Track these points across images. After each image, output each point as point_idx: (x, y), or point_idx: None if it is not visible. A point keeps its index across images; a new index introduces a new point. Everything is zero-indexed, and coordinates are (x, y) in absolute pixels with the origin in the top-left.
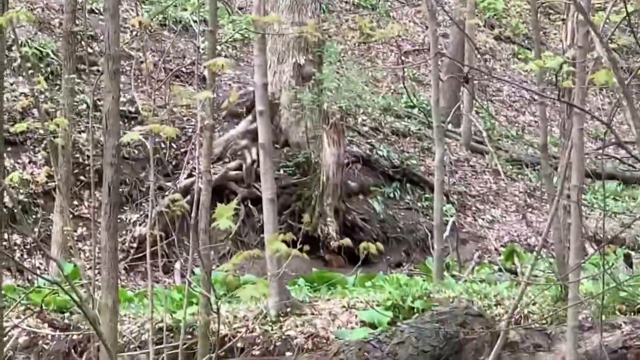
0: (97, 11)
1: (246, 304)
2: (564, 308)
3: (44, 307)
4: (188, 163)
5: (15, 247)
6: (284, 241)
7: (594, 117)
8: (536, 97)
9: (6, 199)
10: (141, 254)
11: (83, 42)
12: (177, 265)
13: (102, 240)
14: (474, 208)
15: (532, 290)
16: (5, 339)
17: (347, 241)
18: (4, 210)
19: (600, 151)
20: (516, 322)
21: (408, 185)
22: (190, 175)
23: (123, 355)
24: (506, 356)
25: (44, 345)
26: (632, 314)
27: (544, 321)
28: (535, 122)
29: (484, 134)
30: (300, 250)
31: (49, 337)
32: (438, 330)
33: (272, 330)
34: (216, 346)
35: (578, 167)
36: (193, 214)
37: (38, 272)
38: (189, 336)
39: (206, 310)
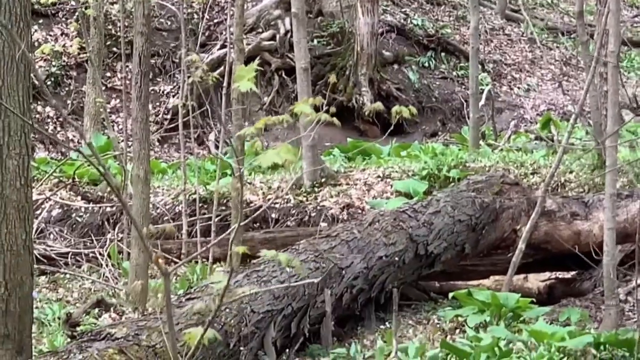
0: None
1: (280, 174)
2: (602, 174)
3: (76, 180)
4: (221, 34)
5: (49, 120)
6: (315, 107)
7: None
8: None
9: (39, 71)
10: (174, 125)
11: None
12: (211, 137)
13: (133, 111)
14: (509, 77)
15: (568, 158)
16: (38, 211)
17: (378, 105)
18: (36, 82)
19: (637, 18)
20: (553, 191)
21: (443, 54)
22: (223, 46)
23: (156, 227)
24: (543, 224)
25: (77, 218)
26: None
27: (581, 189)
28: None
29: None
30: (332, 115)
31: (82, 209)
32: (474, 199)
33: (306, 200)
34: (246, 217)
35: (615, 32)
36: (225, 84)
37: (71, 144)
38: (223, 207)
39: (239, 180)
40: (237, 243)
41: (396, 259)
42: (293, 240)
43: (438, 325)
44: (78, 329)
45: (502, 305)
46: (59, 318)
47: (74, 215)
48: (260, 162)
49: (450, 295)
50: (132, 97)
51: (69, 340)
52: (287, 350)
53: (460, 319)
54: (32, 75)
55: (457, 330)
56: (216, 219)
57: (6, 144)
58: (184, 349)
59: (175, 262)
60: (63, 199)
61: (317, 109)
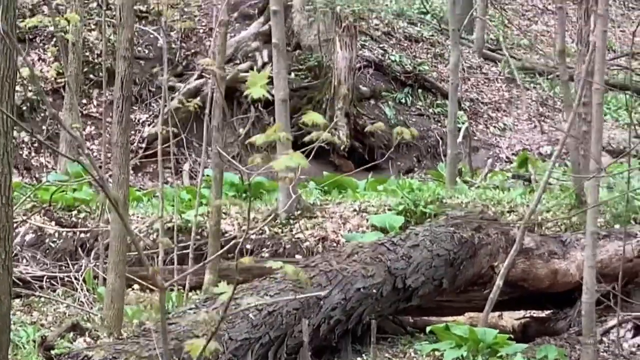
0: None
1: (255, 207)
2: (581, 211)
3: (51, 205)
4: (198, 64)
5: (23, 145)
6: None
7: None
8: (550, 6)
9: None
10: (150, 154)
11: None
12: (186, 167)
13: (113, 135)
14: (485, 116)
15: (546, 197)
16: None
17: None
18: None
19: (612, 62)
20: (530, 229)
21: (420, 91)
22: (200, 77)
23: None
24: (520, 262)
25: (51, 243)
26: None
27: (558, 229)
28: (548, 31)
29: (501, 38)
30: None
31: (56, 235)
32: (453, 234)
33: (282, 232)
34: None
35: (600, 69)
36: (207, 111)
37: (44, 170)
38: (198, 237)
39: (217, 210)
40: (213, 271)
41: (374, 291)
42: (269, 271)
43: (415, 359)
44: (52, 352)
45: (480, 340)
46: (33, 341)
47: (47, 240)
48: (275, 166)
49: (428, 329)
50: (113, 122)
51: None
52: None
53: (437, 353)
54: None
55: None
56: (193, 247)
57: None
58: None
59: (152, 290)
60: (37, 224)
61: (294, 143)
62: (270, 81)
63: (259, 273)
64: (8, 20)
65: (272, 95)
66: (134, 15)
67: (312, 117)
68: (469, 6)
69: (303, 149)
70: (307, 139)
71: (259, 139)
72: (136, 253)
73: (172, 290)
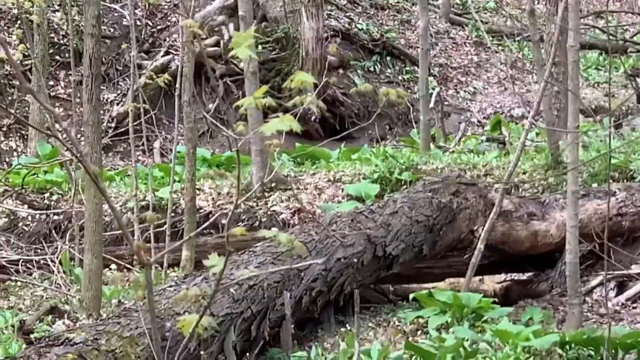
0: None
1: (229, 180)
2: (562, 172)
3: (23, 188)
4: (164, 40)
5: None
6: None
7: None
8: None
9: None
10: (120, 132)
11: None
12: (157, 144)
13: (84, 114)
14: (455, 80)
15: (522, 159)
16: None
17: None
18: None
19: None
20: (508, 192)
21: (388, 58)
22: (167, 53)
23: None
24: (500, 225)
25: (24, 227)
26: (625, 180)
27: (535, 190)
28: None
29: (469, 1)
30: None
31: (29, 218)
32: (431, 200)
33: (257, 206)
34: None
35: (575, 26)
36: (177, 87)
37: (14, 154)
38: (173, 214)
39: (191, 185)
40: (190, 247)
41: (355, 260)
42: (246, 245)
43: (399, 327)
44: (32, 336)
45: (464, 305)
46: (12, 326)
47: (20, 224)
48: (265, 130)
49: (411, 297)
50: (83, 100)
51: (25, 346)
52: (248, 354)
53: (421, 320)
54: None
55: (419, 332)
56: (170, 224)
57: None
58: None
59: (128, 269)
60: (9, 207)
61: (265, 112)
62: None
63: (236, 247)
64: None
65: (240, 69)
66: None
67: (300, 77)
68: None
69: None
70: (290, 103)
71: (245, 101)
72: (110, 233)
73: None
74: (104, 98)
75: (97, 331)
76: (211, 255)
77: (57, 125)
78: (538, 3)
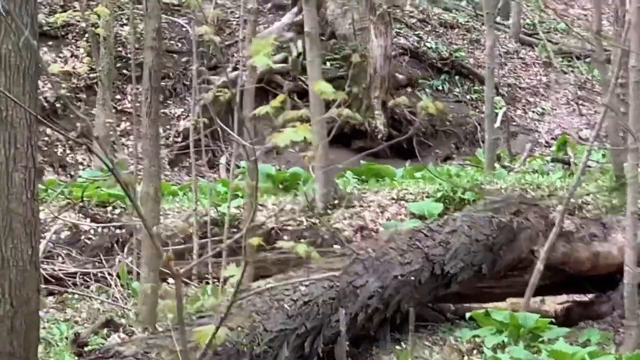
0: None
1: (292, 197)
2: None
3: (85, 201)
4: (232, 56)
5: (58, 143)
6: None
7: None
8: None
9: (48, 94)
10: (186, 147)
11: None
12: (223, 160)
13: (143, 127)
14: (523, 101)
15: (586, 180)
16: (46, 233)
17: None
18: (46, 104)
19: None
20: (570, 212)
21: (457, 77)
22: (235, 69)
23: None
24: (561, 245)
25: (86, 240)
26: None
27: (598, 211)
28: (585, 15)
29: (537, 22)
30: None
31: (91, 231)
32: (492, 219)
33: (319, 223)
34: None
35: (637, 47)
36: (237, 100)
37: (80, 167)
38: (234, 229)
39: (252, 202)
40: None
41: (412, 278)
42: (307, 261)
43: (455, 346)
44: (86, 349)
45: (521, 325)
46: (66, 338)
47: (82, 237)
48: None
49: (467, 315)
50: (142, 113)
51: (75, 359)
52: None
53: (477, 339)
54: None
55: (475, 351)
56: (227, 241)
57: (12, 157)
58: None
59: (186, 283)
60: (71, 220)
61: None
62: (304, 71)
63: (296, 263)
64: (28, 12)
65: (307, 86)
66: (159, 5)
67: (320, 86)
68: None
69: (336, 136)
70: (326, 115)
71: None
72: (171, 248)
73: (207, 283)
74: (171, 113)
75: (147, 344)
76: (231, 265)
77: (113, 137)
78: (609, 24)
